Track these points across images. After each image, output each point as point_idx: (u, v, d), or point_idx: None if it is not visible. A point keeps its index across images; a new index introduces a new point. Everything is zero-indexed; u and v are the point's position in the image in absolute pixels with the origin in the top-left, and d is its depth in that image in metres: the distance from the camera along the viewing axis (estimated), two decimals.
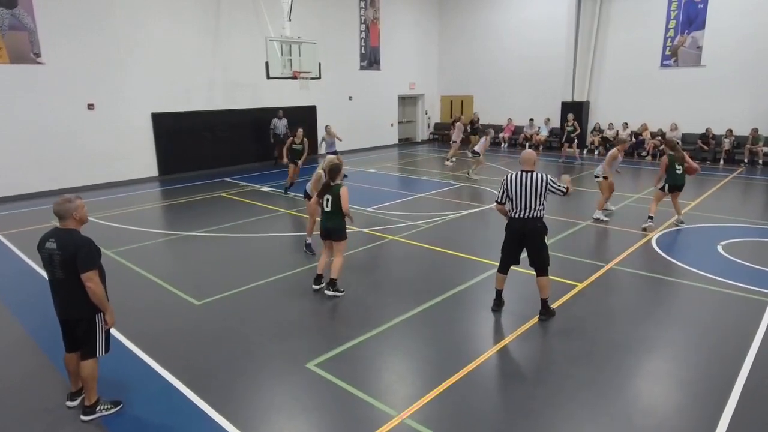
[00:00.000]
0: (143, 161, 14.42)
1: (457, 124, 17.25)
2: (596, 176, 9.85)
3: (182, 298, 6.29)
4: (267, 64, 14.03)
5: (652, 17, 17.57)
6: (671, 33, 17.32)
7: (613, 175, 9.87)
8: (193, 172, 15.37)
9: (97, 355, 3.94)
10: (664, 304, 6.13)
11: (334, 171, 6.24)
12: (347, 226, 6.36)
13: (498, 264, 5.74)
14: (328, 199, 6.17)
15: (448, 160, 17.00)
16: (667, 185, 9.00)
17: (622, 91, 18.70)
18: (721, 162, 16.49)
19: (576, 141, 17.39)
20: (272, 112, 16.51)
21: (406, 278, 7.02)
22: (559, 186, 5.38)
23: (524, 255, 5.61)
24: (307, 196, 7.87)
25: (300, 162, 12.07)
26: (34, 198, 12.14)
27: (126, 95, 13.69)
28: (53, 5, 12.14)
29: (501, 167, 15.91)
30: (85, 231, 3.86)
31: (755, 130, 15.79)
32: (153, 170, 14.71)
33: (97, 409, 3.98)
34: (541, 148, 19.82)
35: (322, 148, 13.32)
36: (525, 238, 5.44)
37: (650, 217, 8.98)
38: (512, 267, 5.71)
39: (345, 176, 6.62)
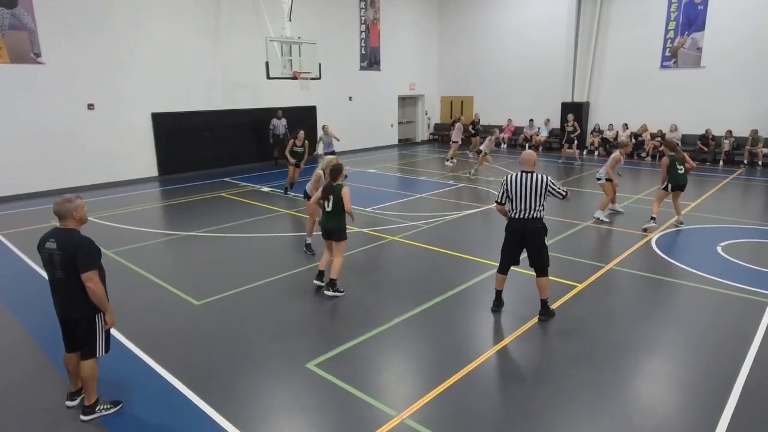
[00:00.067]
0: (143, 161, 14.42)
1: (457, 124, 17.29)
2: (598, 179, 9.84)
3: (182, 298, 6.29)
4: (267, 64, 14.03)
5: (652, 18, 17.59)
6: (671, 34, 17.34)
7: (617, 178, 9.86)
8: (193, 172, 15.37)
9: (97, 355, 3.94)
10: (664, 305, 6.14)
11: (335, 171, 6.28)
12: (347, 226, 6.38)
13: (498, 264, 5.75)
14: (329, 200, 6.20)
15: (448, 160, 17.01)
16: (669, 185, 9.01)
17: (622, 91, 18.72)
18: (721, 163, 16.51)
19: (576, 142, 17.39)
20: (272, 113, 16.51)
21: (406, 278, 7.02)
22: (559, 189, 5.39)
23: (524, 255, 5.61)
24: (307, 197, 7.88)
25: (302, 163, 12.07)
26: (34, 198, 12.14)
27: (126, 95, 13.69)
28: (53, 5, 12.14)
29: (501, 168, 15.90)
30: (85, 231, 3.86)
31: (755, 132, 15.80)
32: (153, 170, 14.71)
33: (97, 409, 3.98)
34: (540, 148, 19.83)
35: (319, 149, 13.30)
36: (525, 239, 5.44)
37: (652, 218, 8.99)
38: (512, 267, 5.72)
39: (345, 176, 6.66)
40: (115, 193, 12.85)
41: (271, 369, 4.71)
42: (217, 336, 5.32)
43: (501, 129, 21.22)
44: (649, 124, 18.05)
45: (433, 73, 23.73)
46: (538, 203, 5.33)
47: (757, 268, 7.16)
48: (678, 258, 7.64)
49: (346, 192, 6.14)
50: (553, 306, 5.77)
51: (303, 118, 17.00)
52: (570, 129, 17.52)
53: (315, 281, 6.54)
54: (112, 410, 4.03)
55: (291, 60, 14.64)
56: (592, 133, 19.46)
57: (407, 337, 5.31)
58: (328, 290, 6.27)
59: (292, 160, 11.91)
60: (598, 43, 18.92)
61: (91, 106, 13.12)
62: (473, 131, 19.52)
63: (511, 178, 5.42)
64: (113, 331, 4.57)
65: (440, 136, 23.69)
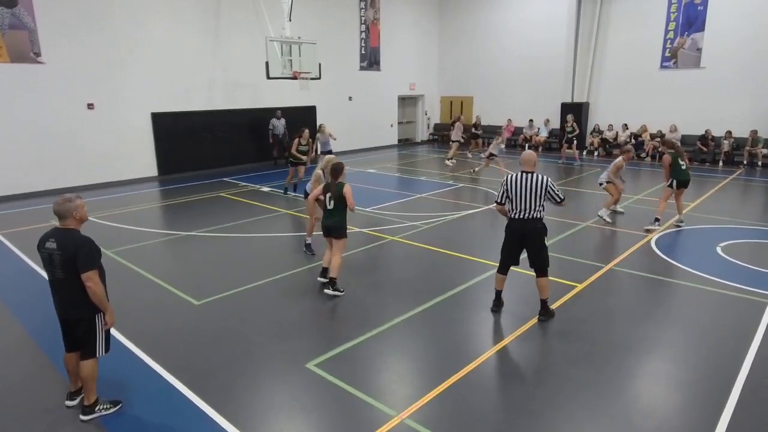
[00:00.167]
0: (143, 161, 14.42)
1: (457, 123, 17.30)
2: (600, 183, 9.81)
3: (182, 298, 6.29)
4: (267, 64, 14.03)
5: (651, 18, 17.59)
6: (671, 35, 17.34)
7: (621, 184, 9.84)
8: (193, 172, 15.36)
9: (97, 355, 3.94)
10: (664, 305, 6.14)
11: (336, 170, 6.30)
12: (348, 225, 6.41)
13: (498, 264, 5.75)
14: (330, 198, 6.23)
15: (448, 159, 17.02)
16: (675, 182, 9.02)
17: (622, 92, 18.72)
18: (721, 163, 16.51)
19: (575, 142, 17.38)
20: (272, 113, 16.51)
21: (406, 278, 7.03)
22: (558, 192, 5.38)
23: (524, 256, 5.61)
24: (308, 196, 7.88)
25: (307, 160, 12.03)
26: (33, 197, 12.14)
27: (126, 95, 13.69)
28: (53, 5, 12.14)
29: (494, 166, 15.87)
30: (85, 231, 3.86)
31: (754, 132, 15.81)
32: (153, 170, 14.71)
33: (96, 408, 3.98)
34: (540, 149, 19.84)
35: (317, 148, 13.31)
36: (525, 239, 5.45)
37: (657, 219, 9.01)
38: (512, 268, 5.72)
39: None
40: (114, 192, 12.85)
41: (271, 369, 4.71)
42: (217, 336, 5.32)
43: (501, 129, 21.24)
44: (648, 124, 18.06)
45: (433, 73, 23.73)
46: (538, 203, 5.33)
47: (757, 268, 7.17)
48: (678, 258, 7.64)
49: (348, 189, 6.21)
50: (553, 306, 5.77)
51: (303, 118, 16.99)
52: (569, 129, 17.53)
53: (319, 278, 6.59)
54: (111, 410, 4.03)
55: (291, 60, 14.63)
56: (591, 133, 19.46)
57: (407, 337, 5.32)
58: (328, 289, 6.28)
59: (303, 158, 11.87)
60: (598, 44, 18.93)
61: (91, 106, 13.11)
62: (472, 133, 19.56)
63: (511, 178, 5.43)
64: (113, 331, 4.57)
65: (440, 136, 23.70)
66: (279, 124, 16.46)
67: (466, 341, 5.31)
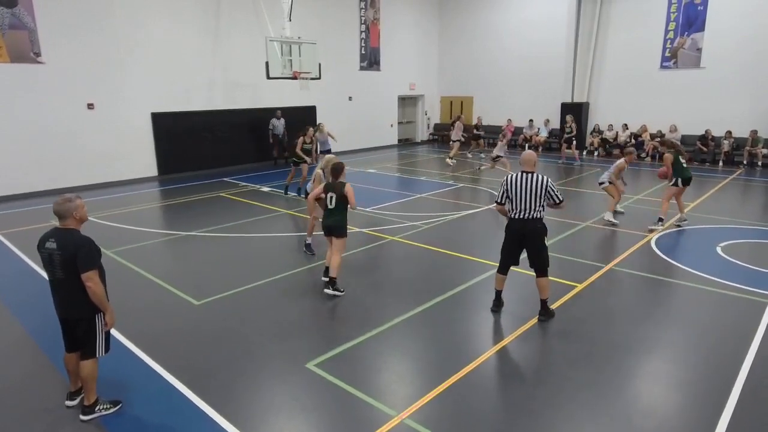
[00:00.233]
0: (143, 161, 14.42)
1: (457, 123, 17.32)
2: (601, 183, 9.81)
3: (182, 298, 6.29)
4: (267, 64, 14.03)
5: (651, 18, 17.59)
6: (671, 35, 17.34)
7: (622, 186, 9.85)
8: (193, 172, 15.36)
9: (97, 356, 3.94)
10: (664, 305, 6.14)
11: (337, 169, 6.32)
12: (348, 225, 6.42)
13: (498, 264, 5.75)
14: (331, 197, 6.23)
15: (449, 159, 17.02)
16: (679, 180, 9.03)
17: (622, 92, 18.72)
18: (721, 163, 16.51)
19: (574, 142, 17.37)
20: (272, 113, 16.52)
21: (406, 278, 7.03)
22: (557, 193, 5.37)
23: (524, 256, 5.61)
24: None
25: (311, 159, 12.01)
26: (33, 197, 12.14)
27: (126, 95, 13.69)
28: (53, 5, 12.14)
29: (501, 168, 15.87)
30: (85, 231, 3.86)
31: (754, 132, 15.80)
32: (153, 170, 14.71)
33: (96, 408, 3.98)
34: (540, 149, 19.84)
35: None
36: (525, 239, 5.45)
37: (660, 219, 9.02)
38: (512, 268, 5.72)
39: None
40: (114, 192, 12.85)
41: (271, 369, 4.71)
42: (217, 336, 5.32)
43: (501, 129, 21.26)
44: (648, 124, 18.06)
45: (433, 73, 23.73)
46: (538, 204, 5.33)
47: (757, 268, 7.17)
48: (678, 258, 7.64)
49: (350, 189, 6.24)
50: (553, 306, 5.77)
51: (303, 118, 16.98)
52: (568, 130, 17.53)
53: (323, 278, 6.58)
54: (111, 410, 4.03)
55: (291, 60, 14.63)
56: (591, 133, 19.46)
57: (407, 337, 5.32)
58: (328, 289, 6.28)
59: (308, 159, 11.83)
60: (598, 44, 18.92)
61: (91, 106, 13.11)
62: (476, 133, 19.59)
63: (511, 178, 5.43)
64: (113, 331, 4.56)
65: (440, 136, 23.70)
66: (279, 124, 16.46)
67: (466, 341, 5.31)
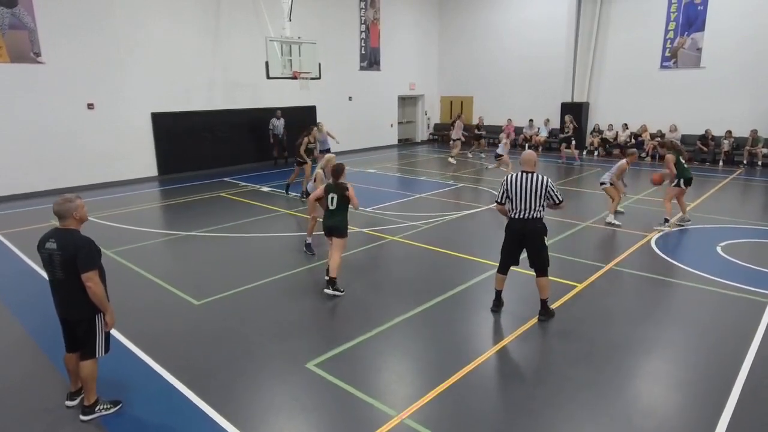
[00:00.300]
0: (143, 161, 14.42)
1: (457, 122, 17.34)
2: (602, 183, 9.80)
3: (182, 298, 6.29)
4: (267, 64, 14.03)
5: (651, 18, 17.59)
6: (671, 34, 17.34)
7: (623, 188, 9.85)
8: (193, 172, 15.36)
9: (97, 356, 3.94)
10: (664, 305, 6.14)
11: (338, 171, 6.32)
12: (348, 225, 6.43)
13: (498, 264, 5.75)
14: (332, 198, 6.23)
15: (452, 158, 17.04)
16: (682, 180, 9.04)
17: (622, 92, 18.72)
18: (721, 163, 16.51)
19: (573, 142, 17.37)
20: (272, 113, 16.52)
21: (406, 278, 7.03)
22: (557, 193, 5.37)
23: (524, 255, 5.61)
24: (309, 195, 7.89)
25: (310, 160, 11.97)
26: (33, 197, 12.14)
27: (126, 95, 13.69)
28: (53, 5, 12.14)
29: (502, 168, 15.88)
30: (85, 231, 3.86)
31: (755, 132, 15.81)
32: (153, 170, 14.71)
33: (96, 409, 3.98)
34: (540, 148, 19.84)
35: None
36: (525, 239, 5.45)
37: (666, 220, 9.06)
38: (512, 267, 5.72)
39: None
40: (114, 192, 12.85)
41: (271, 369, 4.71)
42: (217, 336, 5.32)
43: (500, 129, 21.26)
44: (648, 124, 18.05)
45: (433, 73, 23.72)
46: (538, 203, 5.33)
47: (757, 268, 7.17)
48: (678, 258, 7.64)
49: (351, 190, 6.27)
50: (553, 306, 5.77)
51: (303, 118, 16.98)
52: (566, 130, 17.51)
53: (326, 277, 6.53)
54: (111, 410, 4.03)
55: (291, 60, 14.63)
56: (591, 133, 19.45)
57: (407, 337, 5.32)
58: (328, 288, 6.28)
59: (308, 159, 11.78)
60: (598, 43, 18.92)
61: (91, 106, 13.11)
62: (477, 132, 19.61)
63: (511, 178, 5.43)
64: (113, 331, 4.56)
65: (440, 136, 23.70)
66: (279, 124, 16.46)
67: (466, 341, 5.31)
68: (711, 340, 5.25)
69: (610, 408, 4.08)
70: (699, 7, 16.62)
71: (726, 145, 16.36)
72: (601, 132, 19.19)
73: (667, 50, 17.48)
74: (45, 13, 12.03)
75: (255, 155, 17.00)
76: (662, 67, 17.70)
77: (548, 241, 5.79)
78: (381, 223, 9.68)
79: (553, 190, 5.34)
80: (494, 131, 20.61)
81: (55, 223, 3.88)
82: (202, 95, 15.40)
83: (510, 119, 21.04)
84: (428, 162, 18.14)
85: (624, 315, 5.80)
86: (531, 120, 20.73)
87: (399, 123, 22.91)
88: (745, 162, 16.03)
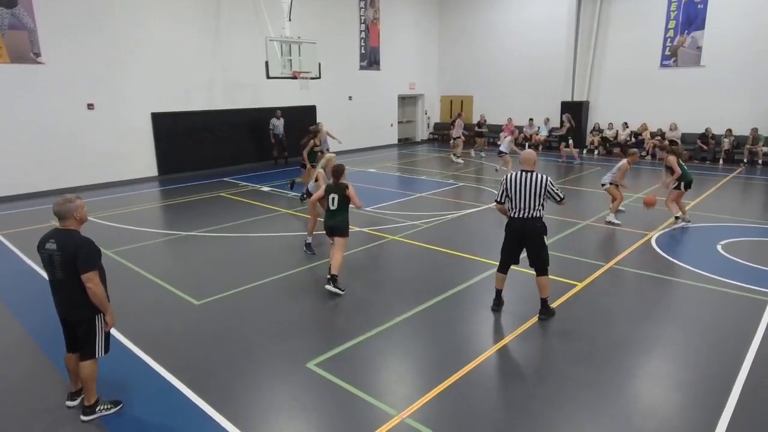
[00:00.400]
0: (143, 161, 14.42)
1: (458, 120, 17.34)
2: (603, 184, 9.79)
3: (182, 298, 6.29)
4: (267, 64, 14.03)
5: (651, 17, 17.58)
6: (671, 33, 17.33)
7: (624, 189, 9.86)
8: (193, 172, 15.36)
9: (97, 356, 3.94)
10: (664, 304, 6.14)
11: (338, 171, 6.33)
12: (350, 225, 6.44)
13: (498, 264, 5.75)
14: (333, 198, 6.24)
15: (457, 156, 17.05)
16: (682, 183, 9.04)
17: (622, 91, 18.71)
18: (721, 162, 16.50)
19: (571, 140, 17.35)
20: (272, 112, 16.52)
21: (406, 278, 7.02)
22: (558, 191, 5.38)
23: (524, 255, 5.61)
24: (311, 195, 7.88)
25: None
26: (33, 198, 12.14)
27: (126, 95, 13.69)
28: (53, 5, 12.14)
29: (503, 167, 15.87)
30: (85, 231, 3.86)
31: (755, 130, 15.80)
32: (153, 170, 14.71)
33: (97, 409, 3.98)
34: (540, 148, 19.83)
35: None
36: (525, 238, 5.44)
37: (677, 217, 9.10)
38: (512, 267, 5.72)
39: None
40: (114, 193, 12.85)
41: (271, 369, 4.71)
42: (217, 336, 5.32)
43: (500, 128, 21.25)
44: (648, 123, 18.04)
45: (433, 73, 23.72)
46: (537, 202, 5.32)
47: (757, 266, 7.16)
48: (678, 257, 7.64)
49: (352, 190, 6.29)
50: (553, 305, 5.77)
51: (303, 118, 16.99)
52: (560, 129, 17.50)
53: (328, 275, 6.53)
54: (112, 410, 4.03)
55: (291, 60, 14.62)
56: (592, 132, 19.45)
57: (407, 337, 5.31)
58: (329, 284, 6.27)
59: (309, 164, 11.55)
60: (598, 43, 18.91)
61: (91, 106, 13.11)
62: (479, 131, 19.62)
63: (511, 177, 5.43)
64: (113, 331, 4.57)
65: (440, 135, 23.70)
66: (279, 124, 16.46)
67: (467, 340, 5.30)
68: (711, 339, 5.24)
69: (610, 408, 4.08)
70: (699, 6, 16.60)
71: (726, 143, 16.36)
72: (601, 131, 19.19)
73: (667, 49, 17.47)
74: (45, 13, 12.03)
75: (255, 155, 17.00)
76: (662, 65, 17.69)
77: (548, 240, 5.80)
78: (381, 222, 9.68)
79: (553, 189, 5.34)
80: (495, 131, 20.61)
81: (55, 223, 3.88)
82: (202, 95, 15.40)
83: (510, 118, 21.04)
84: (428, 161, 18.13)
85: (624, 314, 5.80)
86: (531, 119, 20.72)
87: (399, 122, 22.91)
88: (745, 160, 16.03)
